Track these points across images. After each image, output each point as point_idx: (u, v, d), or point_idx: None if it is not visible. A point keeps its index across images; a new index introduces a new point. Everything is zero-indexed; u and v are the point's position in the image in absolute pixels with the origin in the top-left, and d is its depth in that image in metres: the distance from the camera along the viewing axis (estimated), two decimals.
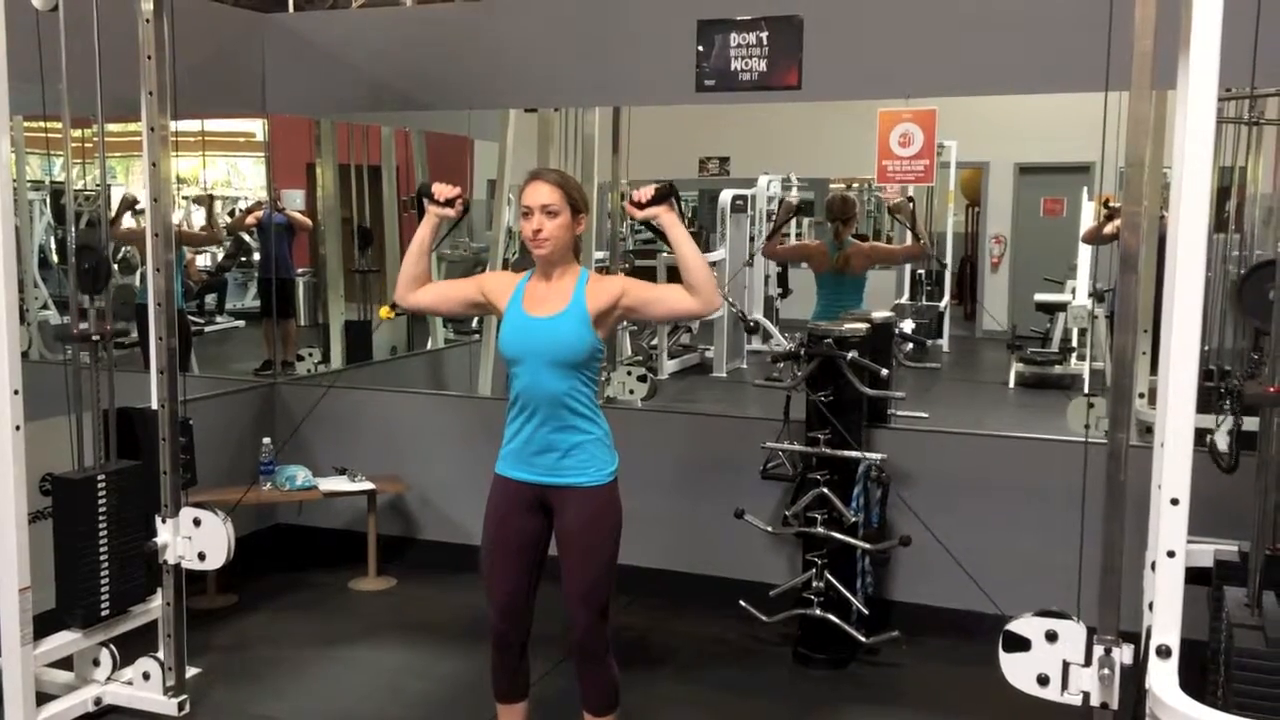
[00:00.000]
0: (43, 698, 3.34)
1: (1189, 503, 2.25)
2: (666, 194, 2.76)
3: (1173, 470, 2.24)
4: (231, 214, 10.55)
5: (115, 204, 6.54)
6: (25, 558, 3.13)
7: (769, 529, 4.17)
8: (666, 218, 2.76)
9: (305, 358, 6.56)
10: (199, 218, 9.65)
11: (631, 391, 6.42)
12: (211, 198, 7.56)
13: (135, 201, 6.40)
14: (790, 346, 4.18)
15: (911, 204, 5.09)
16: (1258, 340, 3.38)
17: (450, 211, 2.95)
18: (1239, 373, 3.92)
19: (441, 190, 2.92)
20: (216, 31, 4.85)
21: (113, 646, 3.55)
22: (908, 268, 11.52)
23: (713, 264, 10.33)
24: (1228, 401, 3.46)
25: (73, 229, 3.48)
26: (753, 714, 3.69)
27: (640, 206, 2.77)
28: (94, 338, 3.46)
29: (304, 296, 9.26)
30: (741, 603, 4.17)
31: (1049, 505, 3.84)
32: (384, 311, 4.89)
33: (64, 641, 3.38)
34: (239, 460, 4.87)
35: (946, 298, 11.42)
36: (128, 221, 6.57)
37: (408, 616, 4.48)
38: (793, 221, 11.18)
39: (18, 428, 3.07)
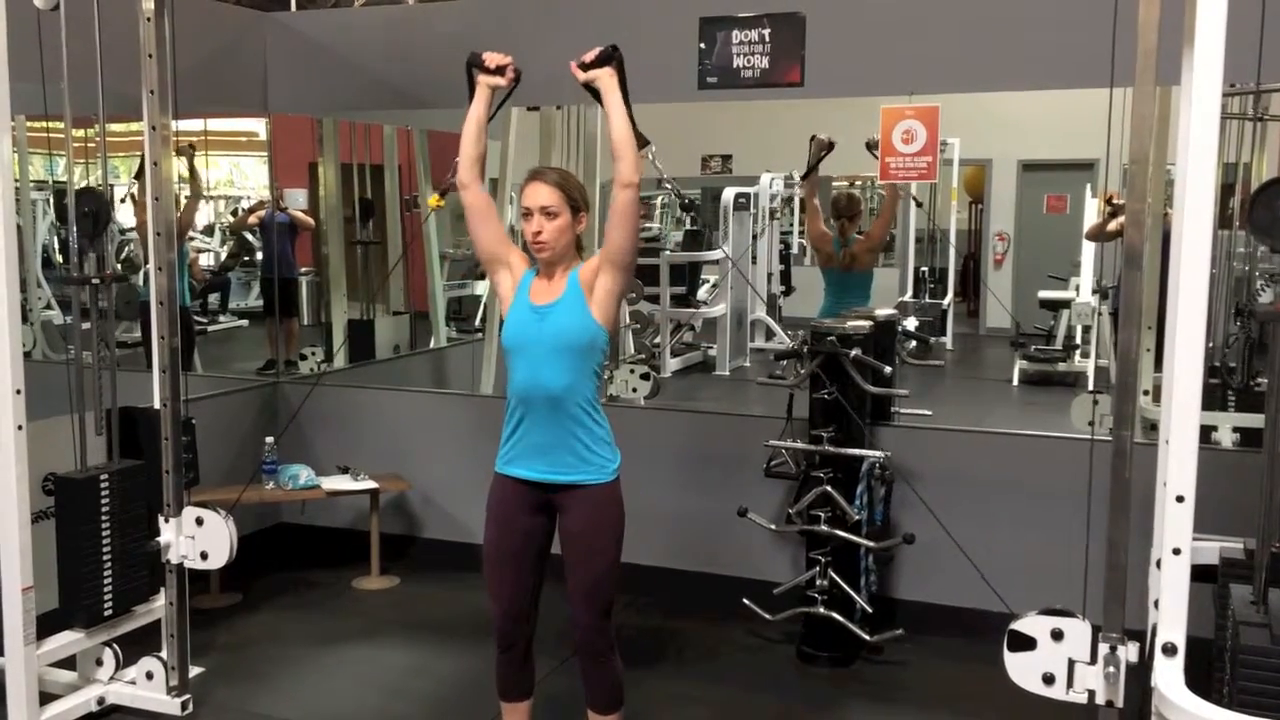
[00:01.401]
0: (46, 697, 3.34)
1: (1194, 500, 2.24)
2: (609, 56, 2.71)
3: (1178, 467, 2.23)
4: (234, 213, 10.57)
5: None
6: (28, 557, 3.13)
7: (772, 527, 4.17)
8: (606, 81, 2.71)
9: (308, 356, 6.56)
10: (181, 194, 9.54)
11: (634, 390, 6.40)
12: (192, 146, 7.32)
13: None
14: (793, 344, 4.18)
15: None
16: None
17: (501, 80, 2.86)
18: (1252, 292, 3.87)
19: (493, 58, 2.84)
20: (218, 30, 4.85)
21: (116, 646, 3.56)
22: (911, 265, 11.52)
23: (714, 262, 10.34)
24: (1239, 321, 3.40)
25: (74, 227, 3.48)
26: (756, 712, 3.68)
27: (585, 69, 2.73)
28: (94, 281, 3.45)
29: (307, 295, 9.27)
30: (745, 601, 4.17)
31: (1053, 503, 3.83)
32: (433, 200, 4.82)
33: (67, 641, 3.38)
34: (242, 459, 4.87)
35: (950, 295, 11.41)
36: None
37: (411, 615, 4.48)
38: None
39: (20, 427, 3.07)
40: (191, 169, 7.57)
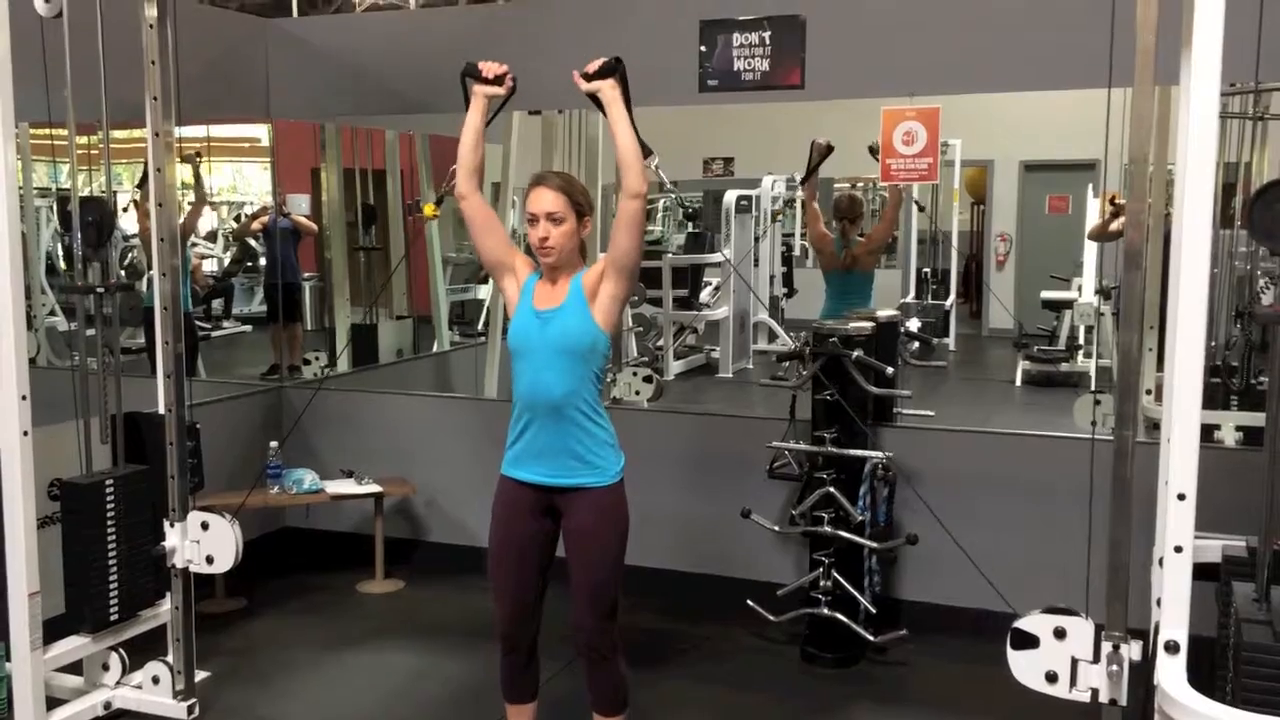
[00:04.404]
0: (52, 702, 3.34)
1: (1196, 498, 2.24)
2: (612, 68, 2.73)
3: (1180, 466, 2.24)
4: (238, 219, 10.59)
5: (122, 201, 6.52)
6: (34, 563, 3.13)
7: (776, 528, 4.17)
8: (608, 93, 2.73)
9: (311, 361, 6.57)
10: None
11: (637, 392, 6.41)
12: (198, 154, 7.39)
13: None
14: (795, 346, 4.18)
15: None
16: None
17: (500, 89, 2.87)
18: (1249, 298, 3.89)
19: (489, 68, 2.85)
20: (220, 36, 4.87)
21: (122, 651, 3.56)
22: (913, 266, 11.52)
23: (716, 265, 10.35)
24: (1239, 324, 3.42)
25: (78, 234, 3.49)
26: (760, 713, 3.69)
27: (588, 79, 2.75)
28: (98, 290, 3.46)
29: (310, 301, 9.29)
30: (749, 602, 4.17)
31: (1056, 503, 3.84)
32: (429, 209, 4.78)
33: (73, 646, 3.38)
34: (246, 464, 4.88)
35: (952, 296, 11.41)
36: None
37: (415, 619, 4.48)
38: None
39: (26, 433, 3.08)
40: (196, 176, 7.59)
